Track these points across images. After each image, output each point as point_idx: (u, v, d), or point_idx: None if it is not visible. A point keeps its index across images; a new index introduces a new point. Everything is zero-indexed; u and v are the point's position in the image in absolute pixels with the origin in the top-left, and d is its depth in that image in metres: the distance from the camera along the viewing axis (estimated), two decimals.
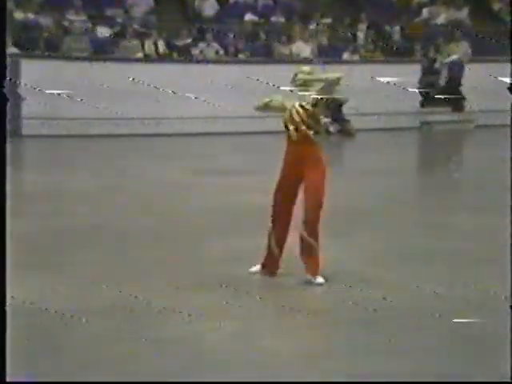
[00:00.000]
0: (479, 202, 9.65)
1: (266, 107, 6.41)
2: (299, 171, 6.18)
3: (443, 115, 18.42)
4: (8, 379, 4.15)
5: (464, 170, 13.01)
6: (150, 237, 7.80)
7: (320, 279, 6.18)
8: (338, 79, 6.25)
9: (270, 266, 6.38)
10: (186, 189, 10.55)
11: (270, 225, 6.35)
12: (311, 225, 6.13)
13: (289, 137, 6.25)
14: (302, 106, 6.24)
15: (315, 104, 6.24)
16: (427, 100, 18.26)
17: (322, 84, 6.25)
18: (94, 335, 5.16)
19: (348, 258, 6.95)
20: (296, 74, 6.38)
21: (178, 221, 8.54)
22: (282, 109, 6.34)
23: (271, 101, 6.38)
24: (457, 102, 18.46)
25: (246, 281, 6.30)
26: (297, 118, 6.20)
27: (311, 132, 6.20)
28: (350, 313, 5.59)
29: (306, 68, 6.42)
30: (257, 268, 6.45)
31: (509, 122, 17.23)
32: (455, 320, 5.35)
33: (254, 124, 16.56)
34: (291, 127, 6.21)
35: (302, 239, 6.19)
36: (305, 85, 6.29)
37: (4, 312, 4.28)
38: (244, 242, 7.43)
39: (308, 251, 6.17)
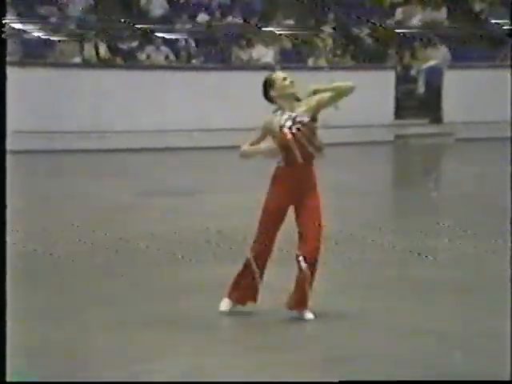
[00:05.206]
0: (460, 225, 9.71)
1: (255, 150, 6.19)
2: (297, 196, 6.14)
3: (420, 127, 18.56)
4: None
5: (443, 188, 13.08)
6: (87, 268, 7.69)
7: (310, 314, 6.19)
8: (352, 88, 6.22)
9: (245, 295, 6.30)
10: (128, 212, 10.45)
11: (252, 254, 6.23)
12: (314, 254, 6.11)
13: (288, 160, 6.13)
14: (300, 123, 6.13)
15: (314, 117, 6.18)
16: (402, 111, 18.42)
17: (327, 94, 6.16)
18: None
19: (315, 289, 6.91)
20: (291, 82, 6.16)
21: (118, 250, 8.44)
22: (274, 135, 6.17)
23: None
24: (435, 113, 18.63)
25: (197, 316, 6.24)
26: (302, 140, 6.11)
27: (318, 151, 6.18)
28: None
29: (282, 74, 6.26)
30: (227, 304, 6.32)
31: (493, 135, 17.48)
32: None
33: (207, 138, 16.54)
34: (296, 149, 6.11)
35: (300, 270, 6.13)
36: (312, 95, 6.17)
37: (4, 312, 4.39)
38: (195, 273, 7.37)
39: (302, 283, 6.15)
